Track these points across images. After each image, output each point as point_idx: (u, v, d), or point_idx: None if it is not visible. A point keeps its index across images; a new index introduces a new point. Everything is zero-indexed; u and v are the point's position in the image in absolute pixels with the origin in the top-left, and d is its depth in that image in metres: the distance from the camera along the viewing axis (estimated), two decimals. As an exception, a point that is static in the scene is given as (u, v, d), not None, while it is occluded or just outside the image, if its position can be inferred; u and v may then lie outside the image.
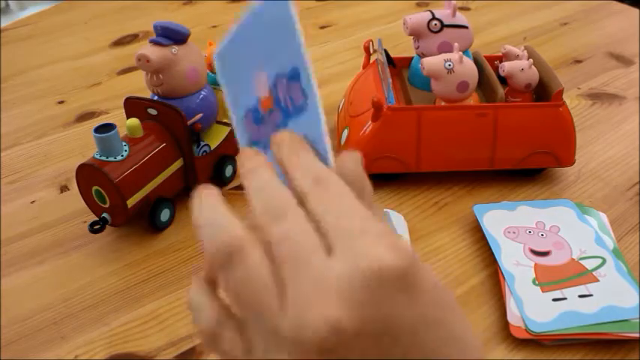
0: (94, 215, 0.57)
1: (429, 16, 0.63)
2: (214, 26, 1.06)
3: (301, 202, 0.25)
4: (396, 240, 0.23)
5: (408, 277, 0.23)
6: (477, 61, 0.64)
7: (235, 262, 0.24)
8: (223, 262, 0.24)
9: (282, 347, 0.23)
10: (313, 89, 0.29)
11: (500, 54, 0.67)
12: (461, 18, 0.64)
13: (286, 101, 0.31)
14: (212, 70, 0.68)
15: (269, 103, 0.32)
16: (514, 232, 0.55)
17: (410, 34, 0.65)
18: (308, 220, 0.24)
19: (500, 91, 0.61)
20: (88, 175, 0.55)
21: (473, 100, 0.62)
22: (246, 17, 0.31)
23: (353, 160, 0.27)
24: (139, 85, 0.62)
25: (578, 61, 0.91)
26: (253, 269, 0.24)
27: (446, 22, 0.63)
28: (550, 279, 0.50)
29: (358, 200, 0.25)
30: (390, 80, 0.61)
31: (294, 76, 0.30)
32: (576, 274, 0.51)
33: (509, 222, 0.56)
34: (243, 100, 0.33)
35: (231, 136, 0.64)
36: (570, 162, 0.63)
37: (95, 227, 0.55)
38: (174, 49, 0.57)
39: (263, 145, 0.31)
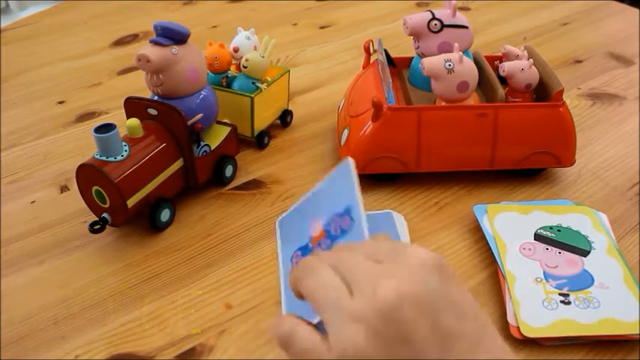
0: (94, 215, 0.57)
1: (429, 16, 0.63)
2: (214, 26, 1.06)
3: None
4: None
5: None
6: (476, 61, 0.64)
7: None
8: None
9: (355, 322, 0.32)
10: (361, 214, 0.39)
11: (500, 54, 0.67)
12: (461, 18, 0.64)
13: (336, 230, 0.41)
14: (212, 70, 0.68)
15: (319, 237, 0.42)
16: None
17: (410, 34, 0.65)
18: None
19: (500, 91, 0.61)
20: (88, 175, 0.55)
21: (473, 100, 0.62)
22: (319, 185, 0.43)
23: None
24: (139, 85, 0.62)
25: (578, 61, 0.91)
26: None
27: (446, 22, 0.63)
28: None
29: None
30: (390, 80, 0.61)
31: (347, 211, 0.41)
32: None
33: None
34: (294, 245, 0.44)
35: (231, 136, 0.64)
36: (570, 162, 0.63)
37: (95, 227, 0.55)
38: (174, 49, 0.57)
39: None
